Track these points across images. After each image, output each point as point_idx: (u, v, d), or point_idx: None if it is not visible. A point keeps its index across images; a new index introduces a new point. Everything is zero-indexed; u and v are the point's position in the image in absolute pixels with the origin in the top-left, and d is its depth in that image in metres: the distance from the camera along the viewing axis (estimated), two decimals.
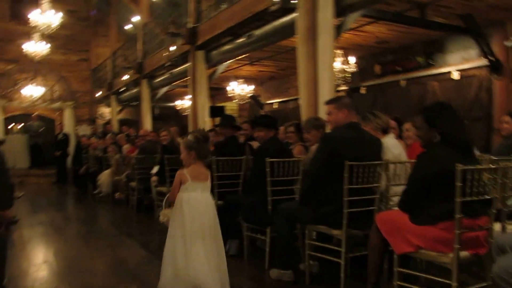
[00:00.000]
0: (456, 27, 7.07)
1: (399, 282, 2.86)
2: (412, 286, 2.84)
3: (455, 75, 7.89)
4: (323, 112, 4.86)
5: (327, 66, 5.18)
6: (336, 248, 3.45)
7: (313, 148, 4.09)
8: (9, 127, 15.33)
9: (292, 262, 3.78)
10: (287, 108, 12.30)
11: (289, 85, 12.44)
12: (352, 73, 8.73)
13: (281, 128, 5.67)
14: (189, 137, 3.34)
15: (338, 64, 8.09)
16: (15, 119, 15.66)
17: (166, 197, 3.46)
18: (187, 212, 3.14)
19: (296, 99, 9.99)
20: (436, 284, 2.76)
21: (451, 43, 8.00)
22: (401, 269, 2.86)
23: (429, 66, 8.34)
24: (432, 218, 2.68)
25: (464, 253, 2.61)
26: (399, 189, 3.18)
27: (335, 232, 3.41)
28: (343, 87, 9.33)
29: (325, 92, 5.05)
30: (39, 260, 4.67)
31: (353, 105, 3.61)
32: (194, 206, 3.16)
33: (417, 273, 2.98)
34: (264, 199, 4.05)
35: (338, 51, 8.00)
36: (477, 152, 3.53)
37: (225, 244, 4.59)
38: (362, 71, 9.50)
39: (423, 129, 2.88)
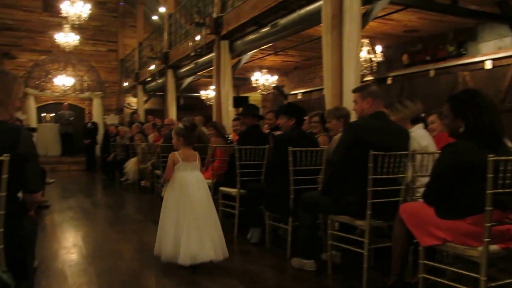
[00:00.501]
0: (490, 14, 6.78)
1: (424, 275, 2.75)
2: (437, 279, 2.74)
3: (488, 65, 7.59)
4: (347, 102, 4.75)
5: (352, 56, 5.04)
6: (359, 238, 3.36)
7: (336, 137, 3.99)
8: (42, 115, 15.62)
9: (314, 252, 3.71)
10: (311, 98, 12.14)
11: (314, 75, 12.29)
12: (378, 63, 8.51)
13: (306, 118, 5.59)
14: (179, 125, 3.90)
15: (364, 54, 7.90)
16: (47, 108, 15.96)
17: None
18: (179, 188, 3.64)
19: (320, 90, 9.86)
20: (464, 278, 2.64)
21: (484, 31, 7.71)
22: (427, 262, 2.75)
23: (460, 55, 8.06)
24: (460, 213, 2.55)
25: (493, 247, 2.48)
26: (426, 180, 3.06)
27: (359, 222, 3.31)
28: (369, 77, 9.13)
29: (350, 82, 4.92)
30: (68, 243, 4.73)
31: (379, 94, 3.47)
32: (185, 183, 3.65)
33: (444, 266, 2.87)
34: (286, 188, 3.98)
35: (364, 40, 7.82)
36: (509, 144, 3.36)
37: (247, 232, 4.61)
38: (389, 61, 9.26)
39: (449, 118, 2.74)
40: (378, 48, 8.29)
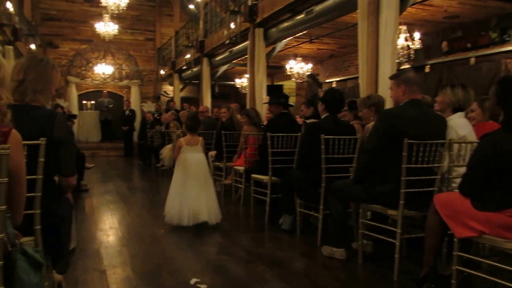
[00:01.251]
0: None
1: (458, 267, 2.66)
2: (472, 272, 2.64)
3: None
4: (383, 90, 4.62)
5: (389, 43, 4.87)
6: (391, 228, 3.28)
7: (369, 126, 3.89)
8: (83, 103, 16.04)
9: (345, 240, 3.66)
10: (345, 87, 11.93)
11: (349, 63, 12.06)
12: (416, 51, 8.23)
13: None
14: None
15: (401, 41, 7.66)
16: (88, 95, 16.36)
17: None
18: (183, 166, 4.67)
19: (355, 78, 9.66)
20: (499, 271, 2.53)
21: None
22: (461, 254, 2.66)
23: (503, 42, 7.66)
24: (498, 205, 2.44)
25: None
26: (463, 170, 2.94)
27: (391, 212, 3.22)
28: (406, 65, 8.85)
29: (386, 70, 4.76)
30: (105, 225, 4.83)
31: (415, 81, 3.34)
32: (188, 162, 4.66)
33: (479, 259, 2.76)
34: (317, 176, 3.92)
35: (402, 27, 7.57)
36: None
37: (279, 219, 4.59)
38: (427, 48, 8.94)
39: (491, 101, 2.60)
40: (416, 35, 8.00)
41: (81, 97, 16.23)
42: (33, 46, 11.35)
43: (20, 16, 10.26)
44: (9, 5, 8.02)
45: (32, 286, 1.53)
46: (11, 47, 9.31)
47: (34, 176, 1.98)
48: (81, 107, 15.95)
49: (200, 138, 4.88)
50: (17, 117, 1.77)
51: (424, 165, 3.14)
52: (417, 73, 8.79)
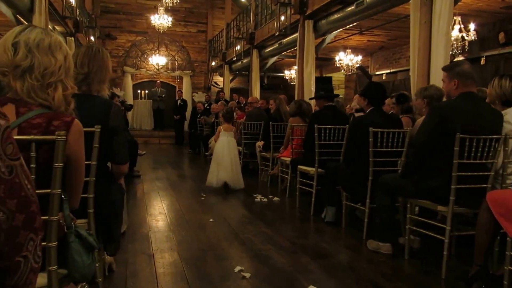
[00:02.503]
0: None
1: (511, 267, 2.51)
2: None
3: None
4: (435, 82, 4.43)
5: (443, 34, 4.65)
6: (440, 225, 3.14)
7: (419, 120, 3.74)
8: (138, 92, 16.50)
9: (391, 235, 3.55)
10: (396, 79, 11.57)
11: (399, 56, 11.68)
12: (471, 42, 7.83)
13: (388, 100, 5.34)
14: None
15: (455, 32, 7.31)
16: (142, 85, 16.80)
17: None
18: (219, 146, 6.23)
19: (406, 70, 9.34)
20: None
21: None
22: None
23: None
24: None
25: None
26: None
27: (441, 208, 3.08)
28: (460, 57, 8.45)
29: (439, 63, 4.54)
30: (155, 211, 4.94)
31: (469, 75, 3.14)
32: (221, 143, 6.23)
33: None
34: (364, 170, 3.82)
35: (456, 18, 7.22)
36: None
37: (322, 211, 4.53)
38: (483, 40, 8.49)
39: None
40: (471, 26, 7.61)
41: (135, 86, 16.70)
42: (92, 38, 11.75)
43: (81, 9, 10.64)
44: None
45: (85, 267, 1.57)
46: (72, 38, 9.68)
47: (89, 162, 2.04)
48: (135, 96, 16.41)
49: (233, 127, 6.64)
50: (77, 105, 1.82)
51: (477, 161, 2.98)
52: (472, 65, 8.39)
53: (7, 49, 1.52)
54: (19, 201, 0.71)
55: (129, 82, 16.39)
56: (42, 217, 1.46)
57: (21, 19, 7.58)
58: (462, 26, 7.50)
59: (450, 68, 3.25)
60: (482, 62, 8.70)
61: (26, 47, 1.52)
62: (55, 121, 1.52)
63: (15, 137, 1.42)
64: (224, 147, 6.21)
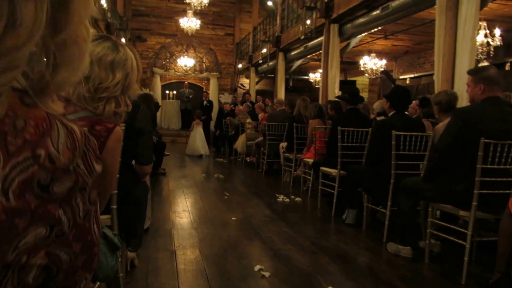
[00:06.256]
0: None
1: None
2: None
3: None
4: (459, 87, 4.32)
5: (468, 39, 4.53)
6: (461, 229, 3.05)
7: (438, 126, 3.64)
8: (166, 93, 16.69)
9: (412, 239, 3.47)
10: (419, 83, 11.35)
11: (424, 60, 11.45)
12: (496, 48, 7.61)
13: (413, 103, 5.25)
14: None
15: (480, 37, 7.11)
16: (170, 86, 16.97)
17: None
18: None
19: (430, 75, 9.14)
20: None
21: None
22: None
23: None
24: None
25: None
26: None
27: (463, 213, 3.00)
28: (485, 62, 8.22)
29: (464, 67, 4.42)
30: (179, 208, 4.97)
31: (495, 80, 3.04)
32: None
33: None
34: (386, 173, 3.75)
35: (482, 23, 7.03)
36: None
37: (343, 212, 4.47)
38: (508, 46, 8.23)
39: None
40: (497, 32, 7.39)
41: (164, 87, 16.87)
42: (123, 40, 11.93)
43: (113, 12, 10.81)
44: (103, 2, 8.47)
45: (109, 269, 1.58)
46: None
47: None
48: (164, 96, 16.58)
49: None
50: None
51: (501, 166, 2.89)
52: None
53: None
54: (84, 244, 0.70)
55: (158, 83, 16.58)
56: None
57: None
58: (488, 31, 7.29)
59: (476, 72, 3.16)
60: (507, 67, 8.44)
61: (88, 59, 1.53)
62: (98, 125, 1.52)
63: None
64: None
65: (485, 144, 2.80)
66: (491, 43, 7.33)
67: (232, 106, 12.93)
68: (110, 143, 1.53)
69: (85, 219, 0.69)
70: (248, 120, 9.39)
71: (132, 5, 16.12)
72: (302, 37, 9.26)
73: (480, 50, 7.19)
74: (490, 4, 5.16)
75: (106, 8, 8.87)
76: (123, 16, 13.35)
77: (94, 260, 0.78)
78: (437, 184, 3.14)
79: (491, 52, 7.47)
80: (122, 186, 2.16)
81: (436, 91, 4.76)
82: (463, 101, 4.06)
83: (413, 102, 5.32)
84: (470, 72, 3.22)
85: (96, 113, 1.57)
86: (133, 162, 2.52)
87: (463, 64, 4.49)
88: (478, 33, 6.48)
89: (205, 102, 14.67)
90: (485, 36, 7.27)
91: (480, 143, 2.79)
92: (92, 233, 0.73)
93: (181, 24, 14.45)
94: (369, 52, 11.30)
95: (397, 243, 3.48)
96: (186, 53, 16.93)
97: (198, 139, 10.75)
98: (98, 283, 1.73)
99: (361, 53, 11.33)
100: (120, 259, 1.71)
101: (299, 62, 12.25)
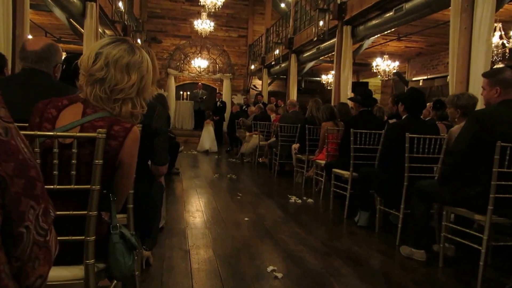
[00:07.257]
0: None
1: None
2: None
3: None
4: (474, 89, 4.24)
5: (483, 40, 4.44)
6: (476, 234, 2.98)
7: (453, 129, 3.57)
8: (180, 93, 16.76)
9: (426, 242, 3.41)
10: (433, 85, 11.21)
11: (437, 62, 11.31)
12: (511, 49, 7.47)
13: (428, 104, 5.18)
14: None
15: (495, 39, 6.98)
16: (184, 87, 17.04)
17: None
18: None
19: (444, 77, 9.03)
20: None
21: None
22: None
23: None
24: None
25: None
26: None
27: (478, 217, 2.93)
28: (500, 64, 8.08)
29: (479, 69, 4.34)
30: (192, 208, 4.96)
31: (511, 81, 2.99)
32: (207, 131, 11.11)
33: None
34: (399, 176, 3.69)
35: (497, 24, 6.90)
36: None
37: (355, 214, 4.42)
38: None
39: None
40: None
41: (178, 88, 16.95)
42: (139, 41, 12.01)
43: (129, 14, 10.90)
44: (120, 4, 8.53)
45: (126, 268, 1.57)
46: None
47: None
48: (178, 97, 16.66)
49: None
50: None
51: None
52: None
53: (90, 57, 1.54)
54: (16, 164, 0.66)
55: (172, 84, 16.66)
56: (81, 212, 1.49)
57: (74, 23, 7.83)
58: (503, 32, 7.15)
59: (492, 75, 3.08)
60: None
61: (105, 60, 1.53)
62: (116, 125, 1.52)
63: (73, 133, 1.45)
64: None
65: (502, 147, 2.73)
66: (507, 44, 7.20)
67: (244, 107, 12.93)
68: (127, 142, 1.53)
69: (7, 136, 0.66)
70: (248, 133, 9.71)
71: (148, 8, 16.26)
72: (315, 39, 9.21)
73: (495, 51, 7.06)
74: (506, 5, 5.05)
75: (123, 10, 8.93)
76: (139, 18, 13.46)
77: (36, 185, 0.71)
78: (452, 187, 3.08)
79: (506, 54, 7.33)
80: (138, 186, 2.15)
81: (450, 93, 4.68)
82: (479, 106, 3.98)
83: (427, 104, 5.24)
84: (485, 75, 3.14)
85: (114, 114, 1.57)
86: (149, 162, 2.51)
87: (478, 66, 4.41)
88: (493, 35, 6.36)
89: (218, 103, 14.70)
90: (501, 37, 7.13)
91: (496, 147, 2.72)
92: (22, 152, 0.69)
93: (195, 26, 14.52)
94: (381, 54, 11.21)
95: (410, 246, 3.41)
96: (200, 54, 16.98)
97: (206, 137, 11.93)
98: (115, 281, 1.72)
99: (373, 55, 11.24)
100: (135, 257, 1.70)
101: (311, 64, 12.20)
